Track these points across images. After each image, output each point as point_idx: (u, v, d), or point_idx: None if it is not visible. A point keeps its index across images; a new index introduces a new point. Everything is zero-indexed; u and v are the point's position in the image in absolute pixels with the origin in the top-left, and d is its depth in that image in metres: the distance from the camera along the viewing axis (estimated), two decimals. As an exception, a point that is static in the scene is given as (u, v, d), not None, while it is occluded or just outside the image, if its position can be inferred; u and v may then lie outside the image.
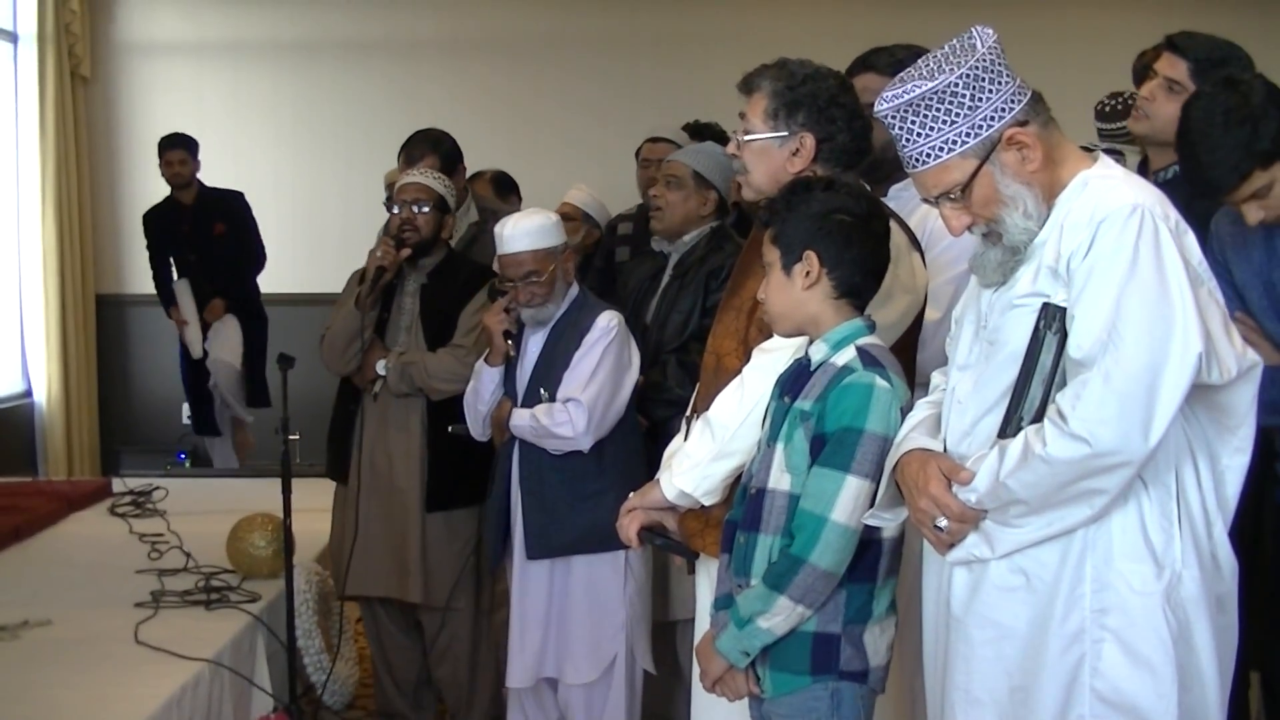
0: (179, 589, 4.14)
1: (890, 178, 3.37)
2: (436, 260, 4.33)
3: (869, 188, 2.92)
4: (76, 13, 7.56)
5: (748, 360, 2.83)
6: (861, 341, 2.53)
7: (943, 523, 2.27)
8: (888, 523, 2.44)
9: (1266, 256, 2.89)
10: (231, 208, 7.28)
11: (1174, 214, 2.23)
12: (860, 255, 2.54)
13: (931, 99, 2.24)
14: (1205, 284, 2.21)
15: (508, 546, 3.96)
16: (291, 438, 3.95)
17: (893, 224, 2.72)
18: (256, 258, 7.38)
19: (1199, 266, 2.22)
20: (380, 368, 4.23)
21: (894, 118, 2.28)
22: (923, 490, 2.28)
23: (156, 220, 7.42)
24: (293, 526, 3.93)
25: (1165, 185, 3.42)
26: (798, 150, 2.85)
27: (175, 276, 7.30)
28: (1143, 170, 3.57)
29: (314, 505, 4.61)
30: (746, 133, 2.89)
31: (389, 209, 4.34)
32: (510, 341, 3.91)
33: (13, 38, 7.46)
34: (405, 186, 4.29)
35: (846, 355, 2.52)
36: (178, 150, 7.19)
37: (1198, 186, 2.88)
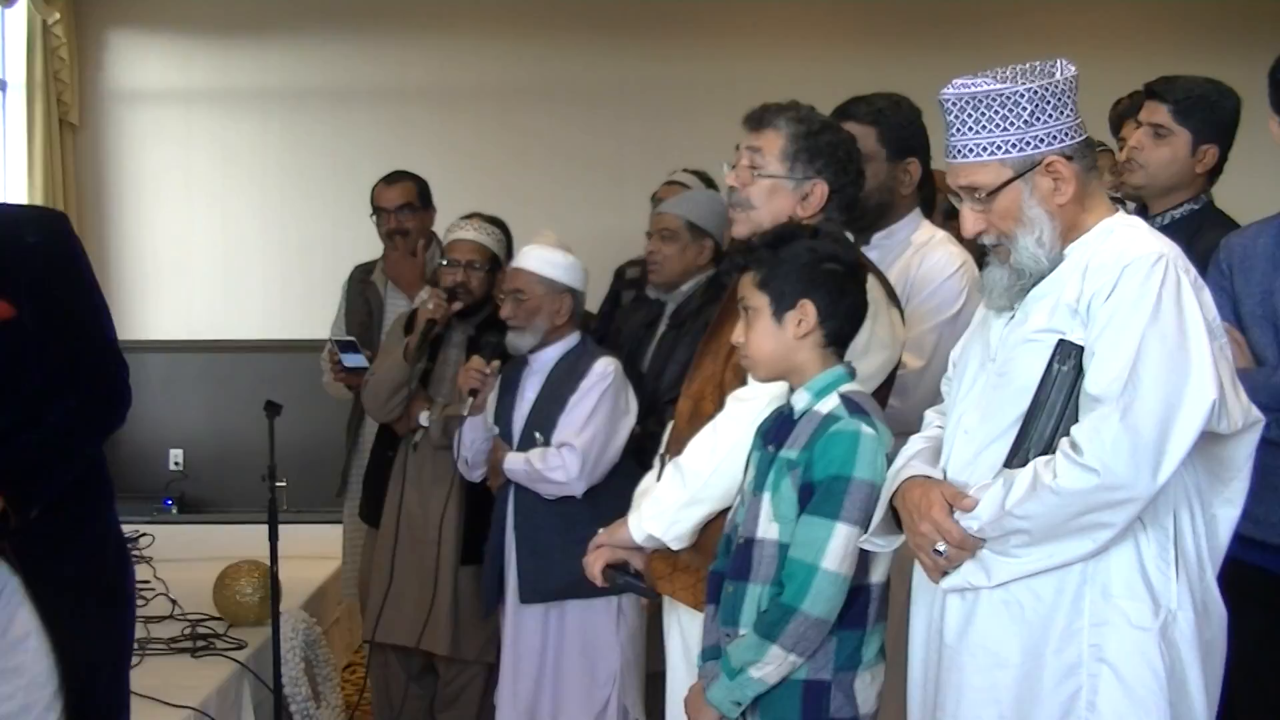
0: (165, 636, 4.13)
1: (874, 226, 3.39)
2: (485, 314, 4.29)
3: (852, 236, 2.94)
4: (65, 60, 7.57)
5: (723, 406, 2.82)
6: (845, 389, 2.55)
7: (942, 547, 2.30)
8: (881, 548, 2.46)
9: (1272, 267, 2.95)
10: (33, 259, 2.74)
11: (1194, 270, 2.31)
12: (852, 304, 2.58)
13: (995, 100, 2.30)
14: (1218, 339, 2.27)
15: (502, 592, 3.94)
16: (279, 484, 3.95)
17: (871, 278, 2.73)
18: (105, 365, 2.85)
19: (1213, 321, 2.28)
20: (423, 419, 4.21)
21: (954, 104, 2.33)
22: (925, 515, 2.31)
23: None
24: (280, 574, 3.93)
25: (1166, 229, 3.48)
26: (808, 196, 2.86)
27: None
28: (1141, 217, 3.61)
29: (301, 552, 4.60)
30: (754, 167, 2.89)
31: (438, 262, 4.29)
32: (474, 399, 3.94)
33: (1, 85, 7.48)
34: (460, 244, 4.25)
35: (831, 403, 2.53)
36: None
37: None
